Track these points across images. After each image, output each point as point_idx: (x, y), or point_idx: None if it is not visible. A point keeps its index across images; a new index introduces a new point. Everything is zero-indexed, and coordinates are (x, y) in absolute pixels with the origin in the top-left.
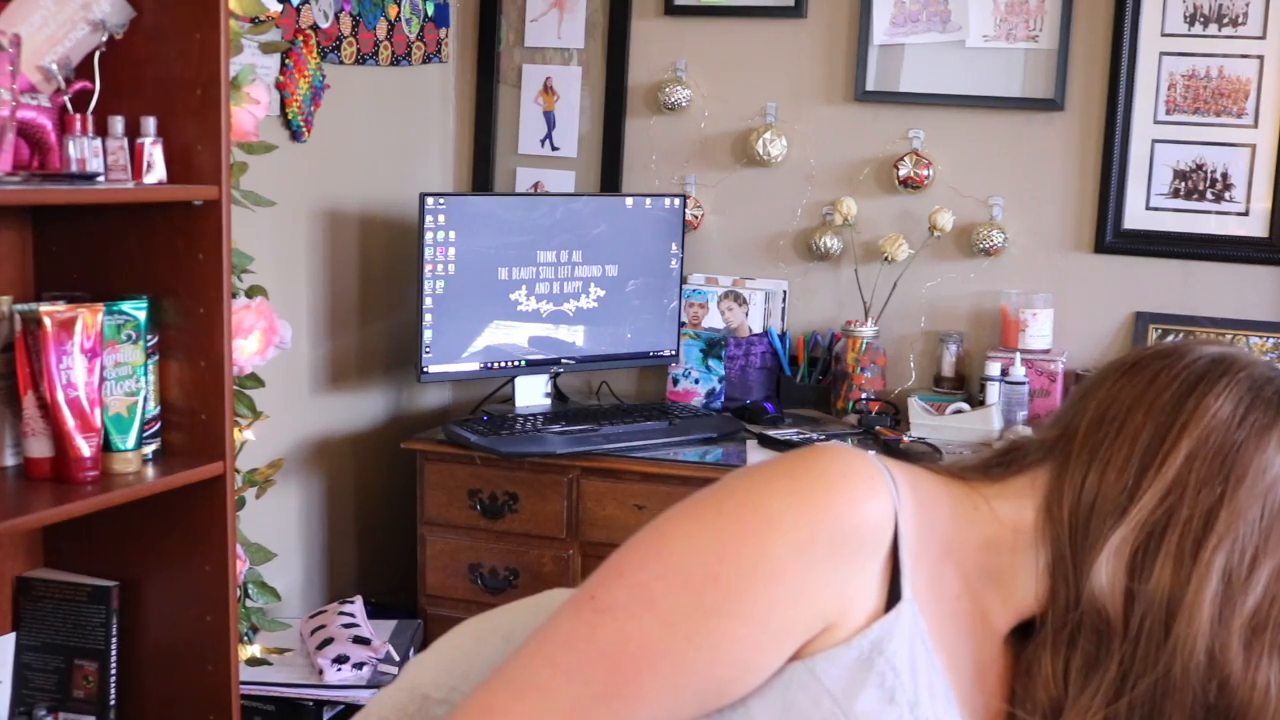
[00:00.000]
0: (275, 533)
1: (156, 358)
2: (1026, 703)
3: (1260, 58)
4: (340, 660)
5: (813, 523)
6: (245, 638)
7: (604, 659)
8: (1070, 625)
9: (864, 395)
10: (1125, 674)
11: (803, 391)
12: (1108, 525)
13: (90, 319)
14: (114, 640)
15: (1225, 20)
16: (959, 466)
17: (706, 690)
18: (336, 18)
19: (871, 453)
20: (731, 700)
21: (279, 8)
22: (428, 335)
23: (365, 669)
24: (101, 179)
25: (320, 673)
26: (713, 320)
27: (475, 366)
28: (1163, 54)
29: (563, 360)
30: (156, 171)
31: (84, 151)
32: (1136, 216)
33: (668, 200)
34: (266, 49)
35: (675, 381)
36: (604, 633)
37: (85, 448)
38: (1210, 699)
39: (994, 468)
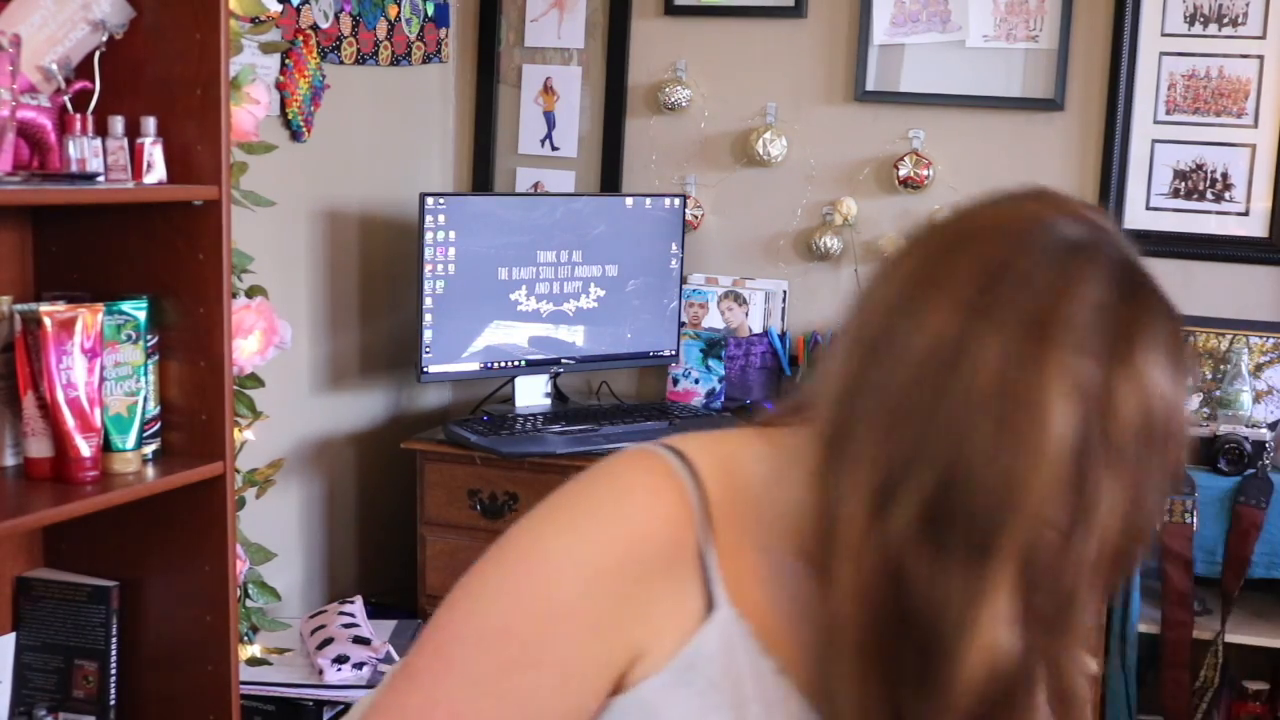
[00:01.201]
0: (275, 533)
1: (156, 358)
2: None
3: (1260, 58)
4: (340, 660)
5: (594, 556)
6: (245, 638)
7: None
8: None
9: None
10: (829, 608)
11: None
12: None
13: (90, 319)
14: (114, 640)
15: (1225, 20)
16: (788, 411)
17: None
18: (336, 18)
19: (664, 449)
20: None
21: (279, 8)
22: (428, 335)
23: (365, 669)
24: (101, 179)
25: (320, 673)
26: (713, 320)
27: (475, 366)
28: (1163, 54)
29: (563, 360)
30: (156, 171)
31: (84, 151)
32: (1137, 216)
33: (668, 200)
34: (266, 49)
35: (675, 381)
36: (413, 700)
37: (85, 448)
38: (898, 624)
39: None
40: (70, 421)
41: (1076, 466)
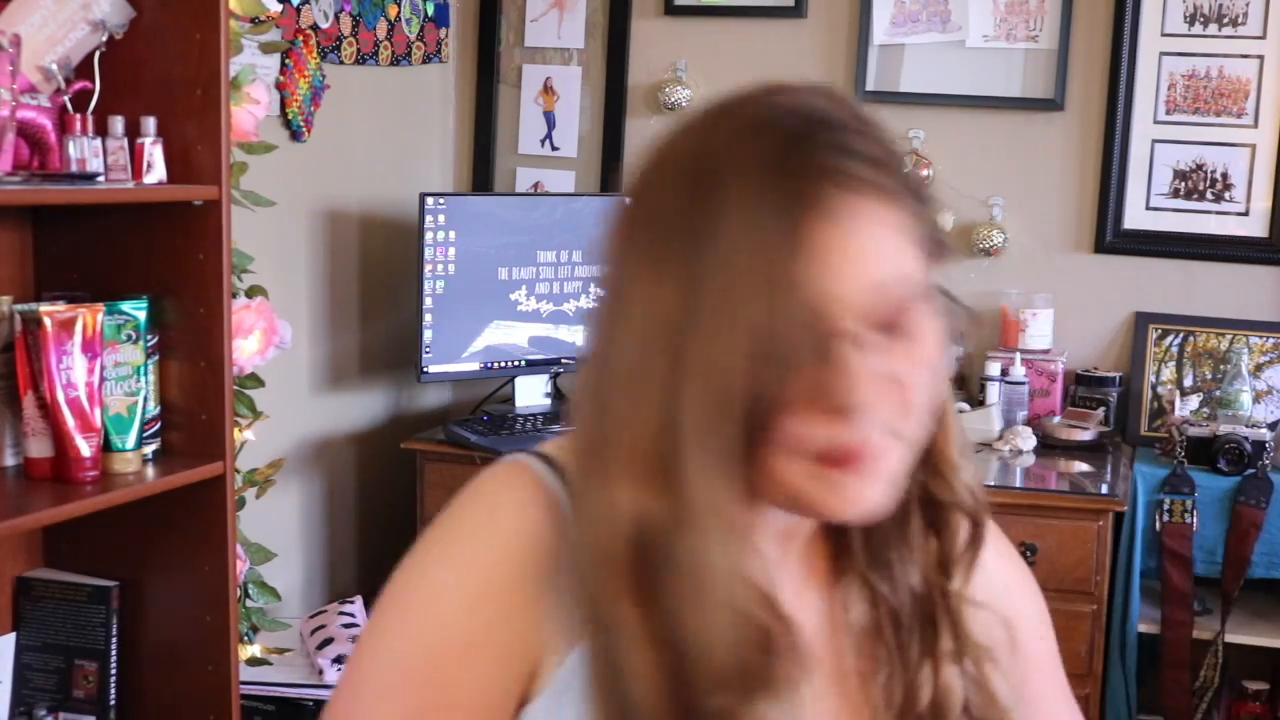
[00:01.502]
0: (275, 533)
1: (156, 358)
2: None
3: (1260, 58)
4: (340, 660)
5: (475, 578)
6: (245, 638)
7: None
8: None
9: None
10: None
11: None
12: None
13: (90, 319)
14: (114, 640)
15: (1225, 20)
16: None
17: None
18: (336, 18)
19: (531, 457)
20: None
21: (279, 8)
22: (428, 335)
23: None
24: (101, 179)
25: (320, 673)
26: None
27: (475, 366)
28: (1163, 54)
29: (563, 360)
30: (156, 171)
31: (84, 151)
32: (1136, 216)
33: None
34: (266, 49)
35: None
36: None
37: (85, 448)
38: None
39: None
40: (70, 421)
41: (671, 306)
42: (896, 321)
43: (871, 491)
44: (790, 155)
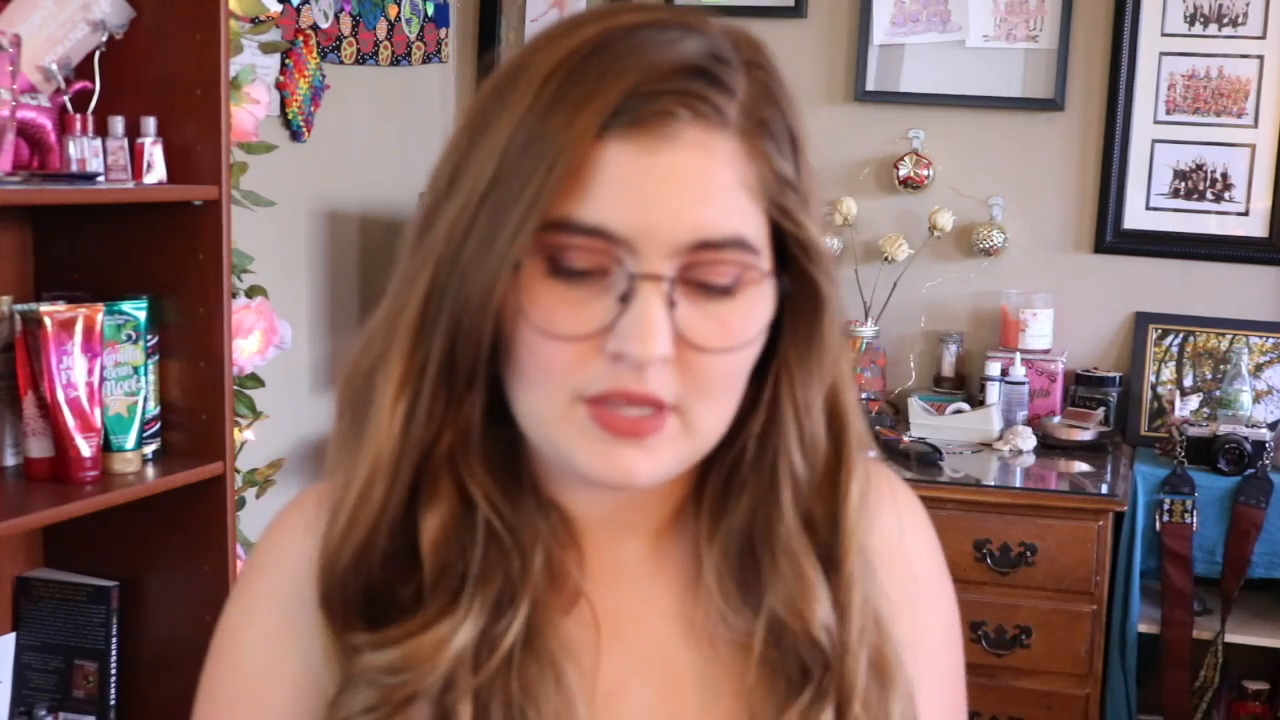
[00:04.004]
0: None
1: (156, 358)
2: None
3: (1260, 58)
4: None
5: (265, 609)
6: None
7: None
8: None
9: (864, 395)
10: None
11: None
12: None
13: (90, 319)
14: (114, 640)
15: (1225, 20)
16: None
17: None
18: (336, 18)
19: None
20: None
21: (279, 8)
22: None
23: None
24: (101, 179)
25: None
26: None
27: None
28: (1163, 54)
29: None
30: (156, 171)
31: (84, 151)
32: (1136, 216)
33: None
34: (266, 49)
35: None
36: None
37: (85, 448)
38: None
39: None
40: (70, 421)
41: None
42: (709, 281)
43: (640, 462)
44: (595, 56)
